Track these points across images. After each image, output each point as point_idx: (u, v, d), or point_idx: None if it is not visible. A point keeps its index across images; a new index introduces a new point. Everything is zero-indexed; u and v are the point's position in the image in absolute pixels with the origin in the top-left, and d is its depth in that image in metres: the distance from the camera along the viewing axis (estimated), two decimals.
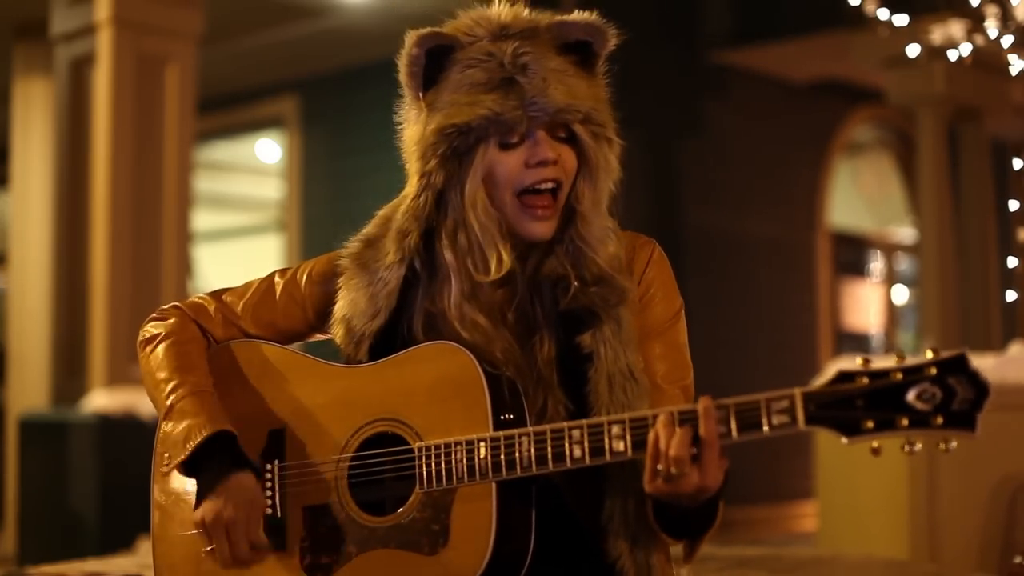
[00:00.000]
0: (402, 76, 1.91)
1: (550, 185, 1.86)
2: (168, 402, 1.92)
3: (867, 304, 11.53)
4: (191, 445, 1.86)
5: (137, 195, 6.66)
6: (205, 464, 1.87)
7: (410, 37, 1.88)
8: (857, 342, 11.28)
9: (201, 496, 1.87)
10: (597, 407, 1.84)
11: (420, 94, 1.89)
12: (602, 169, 1.89)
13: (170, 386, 1.93)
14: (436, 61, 1.88)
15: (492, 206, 1.87)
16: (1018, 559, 4.06)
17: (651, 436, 1.67)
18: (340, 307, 1.95)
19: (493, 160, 1.85)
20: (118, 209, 6.58)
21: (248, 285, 2.09)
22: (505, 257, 1.86)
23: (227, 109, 9.99)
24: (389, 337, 1.92)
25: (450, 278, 1.89)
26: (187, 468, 1.89)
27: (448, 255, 1.89)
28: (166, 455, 1.91)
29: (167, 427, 1.91)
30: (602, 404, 1.83)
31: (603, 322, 1.86)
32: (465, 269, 1.89)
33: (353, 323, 1.92)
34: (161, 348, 1.99)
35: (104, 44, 6.65)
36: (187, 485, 1.96)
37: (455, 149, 1.85)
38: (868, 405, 1.59)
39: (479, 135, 1.84)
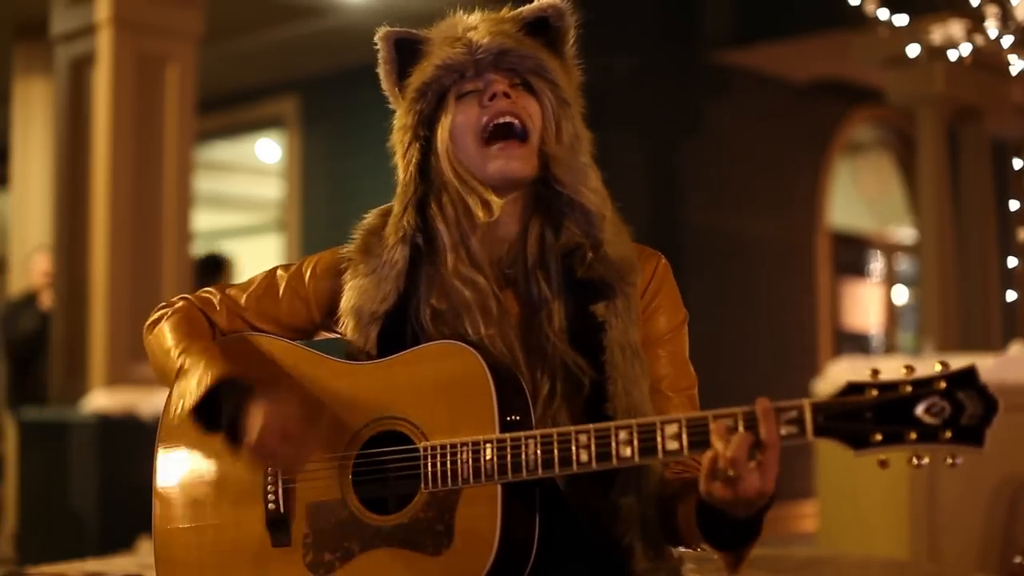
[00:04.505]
0: (382, 81, 2.00)
1: (509, 119, 1.89)
2: (178, 364, 1.92)
3: (867, 304, 11.53)
4: (201, 390, 1.84)
5: (137, 195, 6.66)
6: (218, 410, 1.84)
7: (378, 34, 1.99)
8: (857, 342, 11.27)
9: (234, 441, 1.84)
10: (614, 376, 1.85)
11: (397, 88, 1.98)
12: (564, 118, 1.93)
13: (179, 350, 1.93)
14: (410, 61, 1.97)
15: (463, 156, 1.91)
16: (1018, 559, 4.06)
17: (712, 439, 1.64)
18: (347, 298, 1.96)
19: (454, 113, 1.91)
20: (118, 209, 6.58)
21: (252, 279, 2.09)
22: (492, 198, 1.89)
23: (227, 109, 9.99)
24: (398, 323, 1.93)
25: (446, 246, 1.92)
26: (203, 420, 1.86)
27: (439, 223, 1.92)
28: (179, 404, 1.89)
29: (179, 385, 1.90)
30: (618, 373, 1.85)
31: (616, 295, 1.88)
32: (456, 230, 1.92)
33: (362, 309, 1.93)
34: (167, 323, 1.99)
35: (104, 44, 6.65)
36: (191, 476, 1.96)
37: (420, 114, 1.93)
38: (877, 418, 1.58)
39: (437, 91, 1.92)
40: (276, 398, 1.83)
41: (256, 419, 1.81)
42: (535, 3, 1.98)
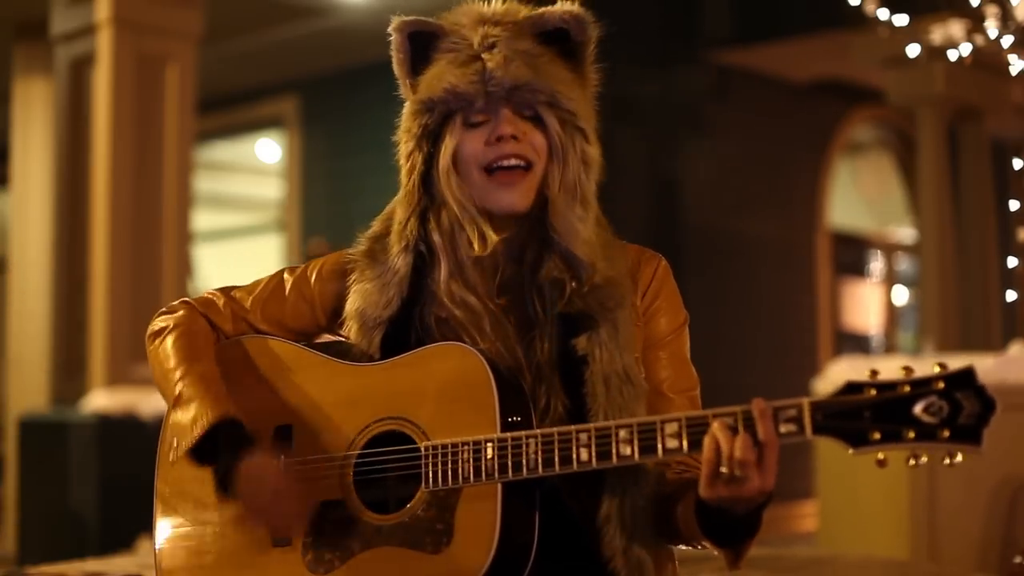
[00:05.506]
0: (394, 68, 1.97)
1: (514, 162, 1.88)
2: (176, 391, 1.92)
3: (867, 304, 11.53)
4: (197, 431, 1.86)
5: (137, 195, 6.66)
6: (213, 452, 1.86)
7: (392, 24, 1.95)
8: (857, 342, 11.27)
9: (223, 489, 1.86)
10: (595, 408, 1.84)
11: (408, 81, 1.95)
12: (571, 155, 1.90)
13: (177, 374, 1.93)
14: (423, 51, 1.94)
15: (464, 183, 1.90)
16: (1018, 559, 4.06)
17: (708, 441, 1.65)
18: (352, 302, 1.96)
19: (460, 139, 1.89)
20: (118, 209, 6.58)
21: (258, 282, 2.09)
22: (489, 233, 1.89)
23: (227, 109, 9.99)
24: (402, 329, 1.93)
25: (440, 260, 1.92)
26: (196, 455, 1.88)
27: (436, 236, 1.92)
28: (174, 441, 1.91)
29: (176, 415, 1.91)
30: (599, 406, 1.84)
31: (599, 325, 1.87)
32: (451, 247, 1.91)
33: (366, 314, 1.93)
34: (169, 339, 1.99)
35: (104, 44, 6.65)
36: (191, 477, 1.96)
37: (425, 127, 1.91)
38: (875, 417, 1.59)
39: (443, 111, 1.89)
40: (265, 475, 1.84)
41: (247, 482, 1.83)
42: (556, 9, 1.93)
